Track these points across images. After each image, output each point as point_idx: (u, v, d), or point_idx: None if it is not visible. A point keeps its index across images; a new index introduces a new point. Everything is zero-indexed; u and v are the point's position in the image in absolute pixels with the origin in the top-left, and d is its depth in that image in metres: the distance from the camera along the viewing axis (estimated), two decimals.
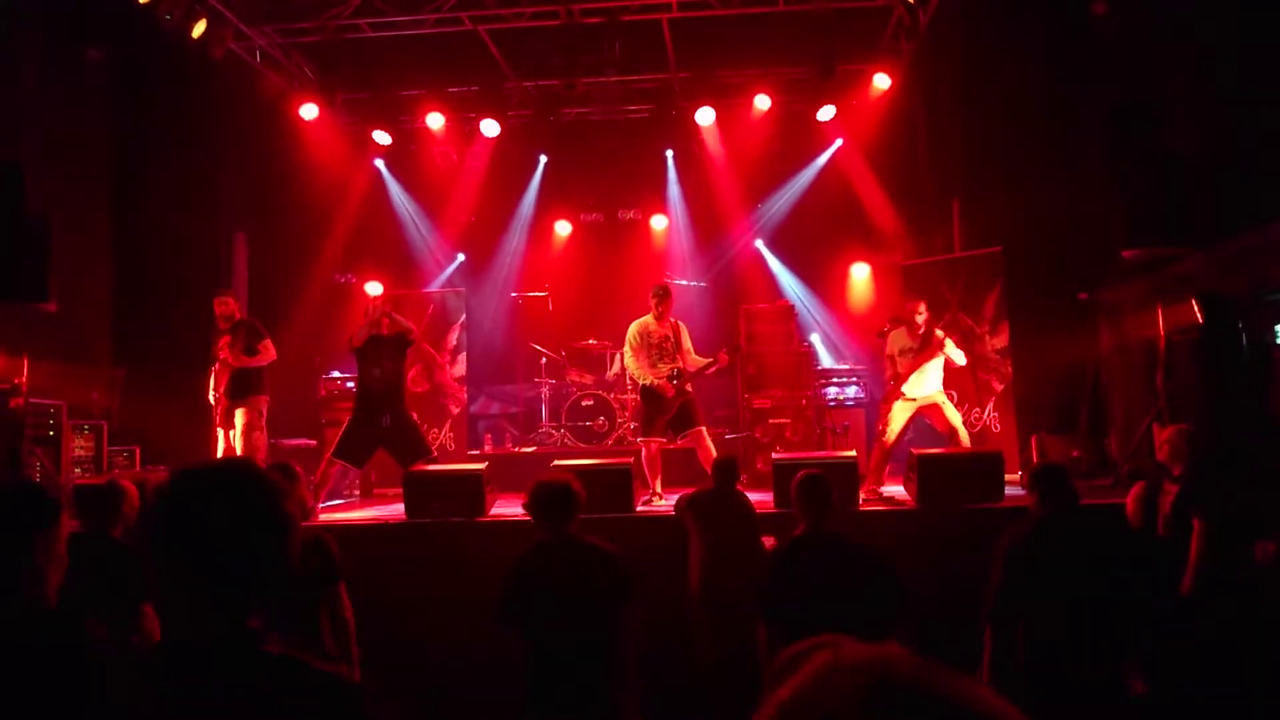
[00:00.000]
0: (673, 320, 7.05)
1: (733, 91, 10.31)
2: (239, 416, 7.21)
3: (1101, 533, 4.00)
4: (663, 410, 6.83)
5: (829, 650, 0.71)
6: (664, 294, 7.02)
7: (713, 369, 6.89)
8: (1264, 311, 6.03)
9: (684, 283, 10.38)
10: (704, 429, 6.77)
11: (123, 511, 4.31)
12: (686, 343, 7.02)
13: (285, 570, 1.43)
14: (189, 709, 1.31)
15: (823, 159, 11.07)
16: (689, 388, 6.89)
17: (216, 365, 7.30)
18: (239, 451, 7.19)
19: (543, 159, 11.64)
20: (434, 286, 11.11)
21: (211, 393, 7.37)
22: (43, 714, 1.85)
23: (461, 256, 11.77)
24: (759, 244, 11.60)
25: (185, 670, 1.34)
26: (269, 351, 7.26)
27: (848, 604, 3.28)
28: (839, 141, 10.92)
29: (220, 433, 7.26)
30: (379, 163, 11.31)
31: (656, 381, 6.86)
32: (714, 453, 6.72)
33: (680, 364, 6.88)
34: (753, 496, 5.59)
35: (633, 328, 7.08)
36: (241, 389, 7.22)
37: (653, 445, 6.94)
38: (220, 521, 1.38)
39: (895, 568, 3.64)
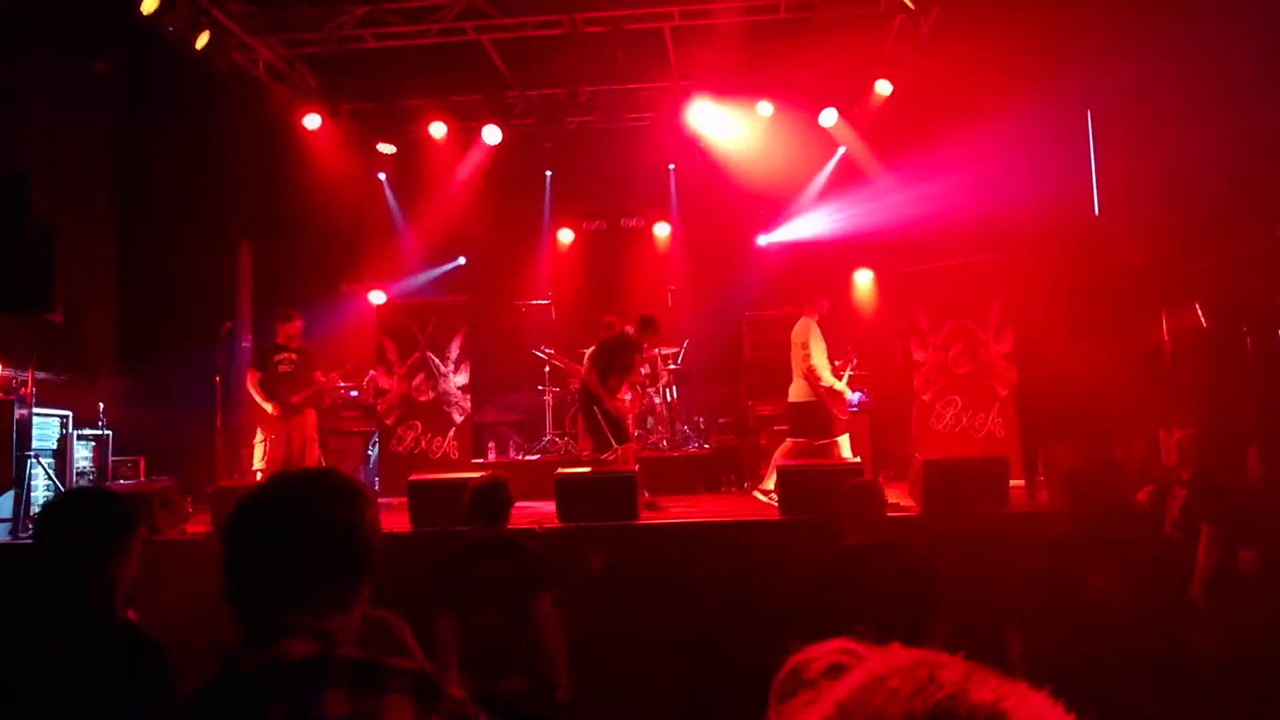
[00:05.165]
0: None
1: (735, 98, 10.33)
2: (303, 428, 7.65)
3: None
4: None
5: (883, 652, 0.71)
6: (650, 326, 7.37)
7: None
8: (1269, 315, 6.01)
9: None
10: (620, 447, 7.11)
11: None
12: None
13: (364, 576, 1.46)
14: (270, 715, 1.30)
15: (826, 167, 11.07)
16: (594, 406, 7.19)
17: (274, 377, 7.58)
18: (303, 459, 7.53)
19: (546, 167, 11.66)
20: (428, 278, 11.45)
21: (268, 404, 7.53)
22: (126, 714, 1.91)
23: (461, 259, 11.78)
24: (761, 248, 11.58)
25: (263, 678, 1.32)
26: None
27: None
28: (841, 149, 10.92)
29: (261, 444, 7.58)
30: (382, 173, 11.34)
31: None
32: (634, 465, 6.90)
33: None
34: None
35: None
36: (301, 404, 7.71)
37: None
38: (314, 526, 1.42)
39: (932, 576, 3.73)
